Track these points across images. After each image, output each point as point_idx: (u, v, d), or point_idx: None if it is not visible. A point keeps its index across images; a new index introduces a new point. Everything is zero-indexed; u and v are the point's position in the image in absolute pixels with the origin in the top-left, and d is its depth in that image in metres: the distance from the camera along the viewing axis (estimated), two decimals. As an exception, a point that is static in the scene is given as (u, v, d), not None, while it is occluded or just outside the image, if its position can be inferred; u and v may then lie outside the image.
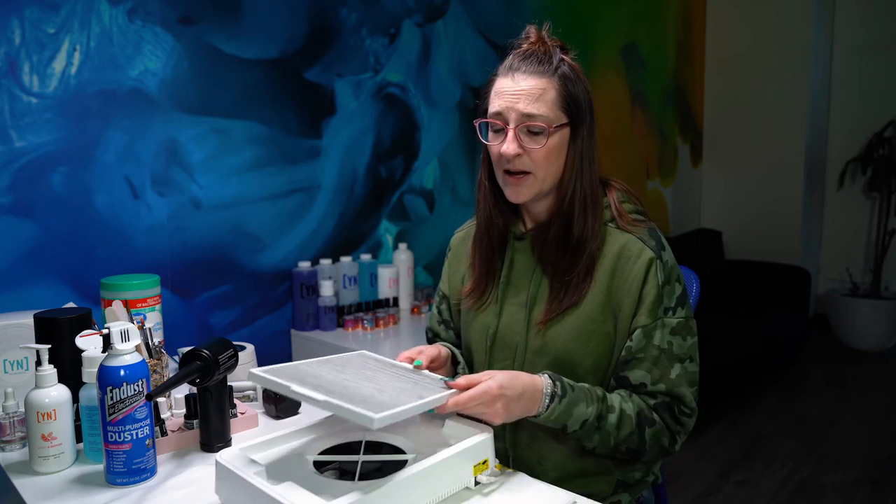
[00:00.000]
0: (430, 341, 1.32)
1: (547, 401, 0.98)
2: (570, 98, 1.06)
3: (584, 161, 1.08)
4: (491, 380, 0.93)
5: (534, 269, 1.13)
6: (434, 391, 0.92)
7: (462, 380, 0.93)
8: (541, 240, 1.11)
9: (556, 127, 1.05)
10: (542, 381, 0.99)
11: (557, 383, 0.99)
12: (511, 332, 1.13)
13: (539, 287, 1.11)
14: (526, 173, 1.06)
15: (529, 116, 1.03)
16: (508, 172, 1.07)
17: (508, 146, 1.04)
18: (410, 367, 1.03)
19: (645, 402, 1.05)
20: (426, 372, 1.02)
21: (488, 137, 1.09)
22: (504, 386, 0.93)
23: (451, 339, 1.29)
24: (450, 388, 0.93)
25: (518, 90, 1.04)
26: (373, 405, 0.82)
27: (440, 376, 0.99)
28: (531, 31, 1.10)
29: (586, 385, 1.03)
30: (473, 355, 1.20)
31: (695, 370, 1.07)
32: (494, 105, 1.07)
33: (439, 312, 1.31)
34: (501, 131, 1.07)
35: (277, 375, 0.91)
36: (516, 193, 1.08)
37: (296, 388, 0.86)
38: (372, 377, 0.97)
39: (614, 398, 1.03)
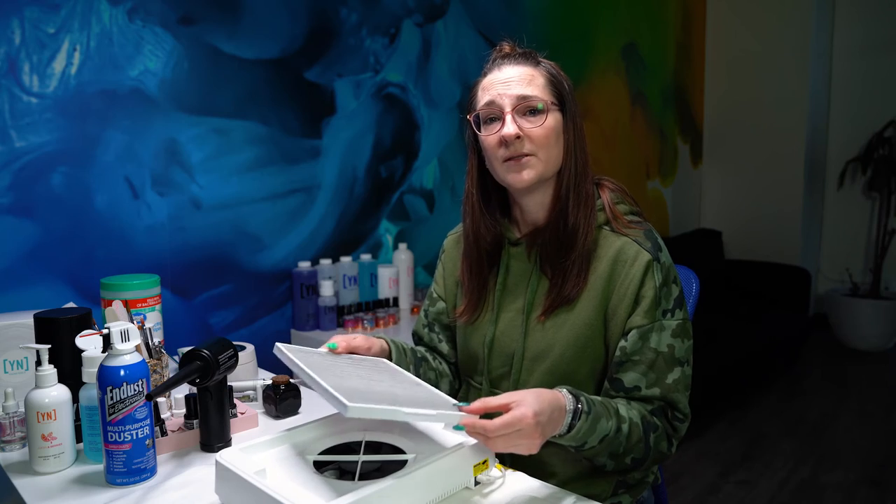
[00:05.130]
0: (416, 344, 1.32)
1: (569, 418, 0.91)
2: (557, 86, 1.07)
3: (576, 149, 1.08)
4: (522, 406, 0.83)
5: (530, 274, 1.12)
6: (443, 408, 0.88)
7: (477, 403, 0.85)
8: (537, 242, 1.11)
9: (552, 104, 1.05)
10: (564, 398, 0.91)
11: (581, 399, 0.93)
12: (508, 338, 1.12)
13: (536, 293, 1.11)
14: (527, 156, 1.05)
15: (524, 98, 1.04)
16: (510, 159, 1.05)
17: (508, 127, 1.03)
18: (422, 383, 1.00)
19: (644, 407, 1.03)
20: (436, 391, 0.97)
21: (482, 130, 1.08)
22: (538, 412, 0.83)
23: (433, 342, 1.28)
24: (461, 411, 0.85)
25: (508, 77, 1.06)
26: (365, 396, 0.82)
27: (453, 400, 0.92)
28: (504, 44, 1.13)
29: (599, 398, 0.99)
30: (471, 362, 1.19)
31: (689, 374, 1.06)
32: (485, 97, 1.07)
33: (426, 315, 1.30)
34: (496, 120, 1.06)
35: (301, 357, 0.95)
36: (520, 177, 1.05)
37: (306, 368, 0.90)
38: (400, 381, 0.98)
39: (621, 408, 1.00)
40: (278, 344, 1.00)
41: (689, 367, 1.06)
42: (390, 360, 1.14)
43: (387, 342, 1.16)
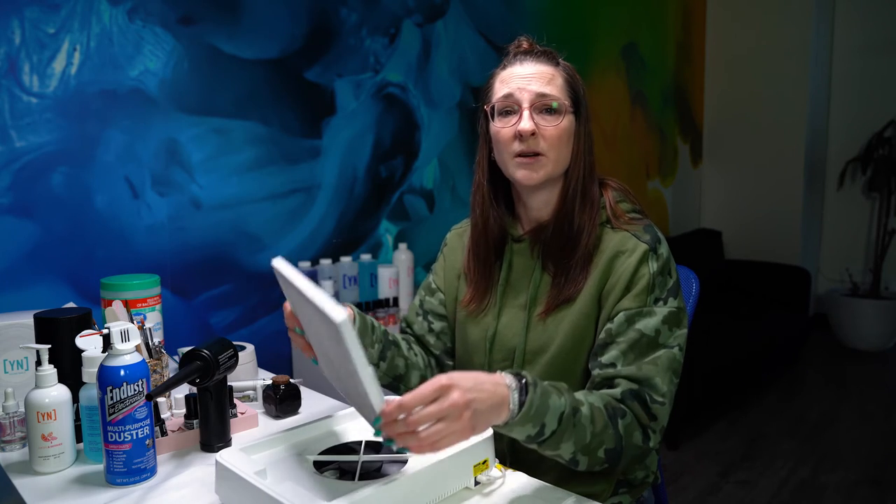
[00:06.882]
0: (402, 331, 1.30)
1: (516, 395, 0.85)
2: (573, 88, 1.09)
3: (585, 152, 1.10)
4: (443, 377, 0.79)
5: (532, 270, 1.13)
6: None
7: (405, 397, 0.77)
8: (540, 239, 1.11)
9: (568, 107, 1.07)
10: (502, 376, 0.86)
11: (523, 373, 0.87)
12: (510, 332, 1.13)
13: (538, 288, 1.11)
14: (539, 154, 1.06)
15: (544, 95, 1.05)
16: (521, 155, 1.06)
17: (525, 123, 1.04)
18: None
19: (610, 394, 0.99)
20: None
21: (496, 122, 1.09)
22: (455, 378, 0.78)
23: (423, 330, 1.26)
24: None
25: (529, 73, 1.06)
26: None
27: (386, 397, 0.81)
28: (522, 39, 1.13)
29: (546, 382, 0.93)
30: (471, 356, 1.19)
31: (679, 359, 1.03)
32: (503, 89, 1.08)
33: (420, 304, 1.28)
34: (512, 114, 1.07)
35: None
36: (530, 175, 1.06)
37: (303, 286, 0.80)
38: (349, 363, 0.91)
39: (577, 393, 0.96)
40: (275, 261, 0.91)
41: (680, 352, 1.03)
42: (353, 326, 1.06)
43: (353, 311, 1.11)
